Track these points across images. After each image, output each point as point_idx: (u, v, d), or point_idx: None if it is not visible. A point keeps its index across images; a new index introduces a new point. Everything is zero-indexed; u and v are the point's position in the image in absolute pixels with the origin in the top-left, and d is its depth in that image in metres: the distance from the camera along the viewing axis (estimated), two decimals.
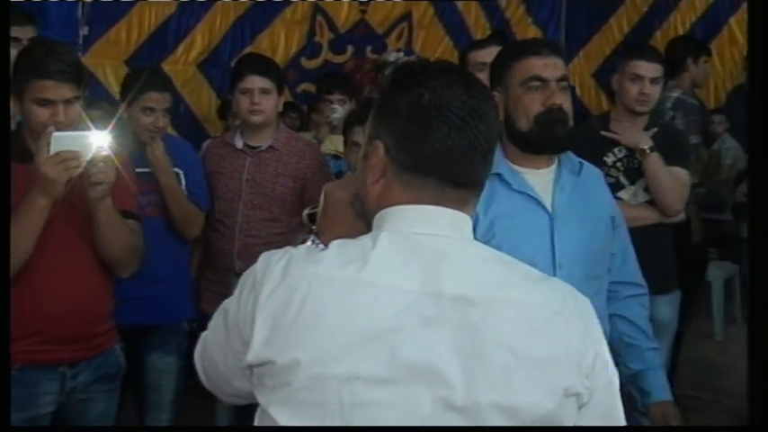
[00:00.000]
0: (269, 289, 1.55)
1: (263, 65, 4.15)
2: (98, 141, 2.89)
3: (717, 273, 6.23)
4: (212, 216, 4.04)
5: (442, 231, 1.59)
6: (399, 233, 1.58)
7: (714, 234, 6.13)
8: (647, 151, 3.92)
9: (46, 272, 3.02)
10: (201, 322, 4.02)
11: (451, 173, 1.59)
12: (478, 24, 7.82)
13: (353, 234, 1.69)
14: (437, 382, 1.50)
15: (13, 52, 3.94)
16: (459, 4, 7.80)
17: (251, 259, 3.96)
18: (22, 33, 4.10)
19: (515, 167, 2.77)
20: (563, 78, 2.73)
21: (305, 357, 1.50)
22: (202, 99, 6.88)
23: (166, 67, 6.39)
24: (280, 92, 4.07)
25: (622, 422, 1.69)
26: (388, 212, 1.61)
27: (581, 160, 2.90)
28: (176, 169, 3.90)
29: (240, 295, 1.61)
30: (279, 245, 4.11)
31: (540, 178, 2.78)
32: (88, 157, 2.86)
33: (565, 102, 2.71)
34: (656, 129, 4.10)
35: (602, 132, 4.07)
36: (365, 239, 1.59)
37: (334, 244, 1.59)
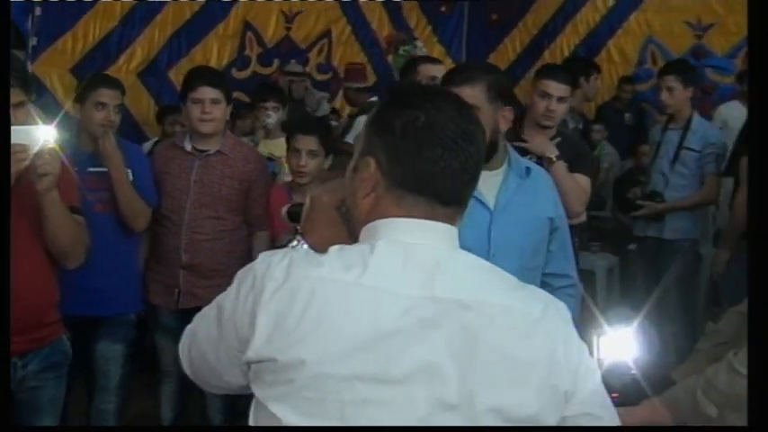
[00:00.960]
0: (271, 289, 1.49)
1: (213, 77, 4.07)
2: (44, 135, 2.77)
3: (600, 263, 6.24)
4: (160, 213, 3.91)
5: (435, 243, 1.55)
6: (396, 242, 1.52)
7: (596, 229, 6.20)
8: (554, 159, 3.89)
9: None
10: (148, 312, 3.96)
11: (442, 192, 1.53)
12: (390, 42, 7.78)
13: (338, 236, 1.66)
14: (434, 382, 1.46)
15: None
16: (374, 24, 7.83)
17: (197, 253, 3.86)
18: None
19: None
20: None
21: (308, 357, 1.45)
22: (141, 105, 6.72)
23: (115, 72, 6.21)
24: (228, 101, 3.97)
25: (614, 422, 1.66)
26: (382, 224, 1.55)
27: (532, 164, 2.91)
28: (126, 168, 3.75)
29: (238, 294, 1.53)
30: (223, 241, 3.98)
31: (490, 179, 2.77)
32: (35, 149, 2.73)
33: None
34: (559, 139, 4.09)
35: (513, 143, 4.03)
36: (363, 246, 1.54)
37: (333, 249, 1.53)
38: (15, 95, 2.84)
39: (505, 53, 8.13)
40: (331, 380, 1.46)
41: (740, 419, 2.28)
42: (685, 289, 5.13)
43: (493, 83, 2.79)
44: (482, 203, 2.77)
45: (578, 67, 5.70)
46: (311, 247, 1.67)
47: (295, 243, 1.70)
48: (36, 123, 2.83)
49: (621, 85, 7.38)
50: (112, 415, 3.99)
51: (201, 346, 1.65)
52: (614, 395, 2.19)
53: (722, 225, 5.44)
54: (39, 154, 2.74)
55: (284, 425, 1.50)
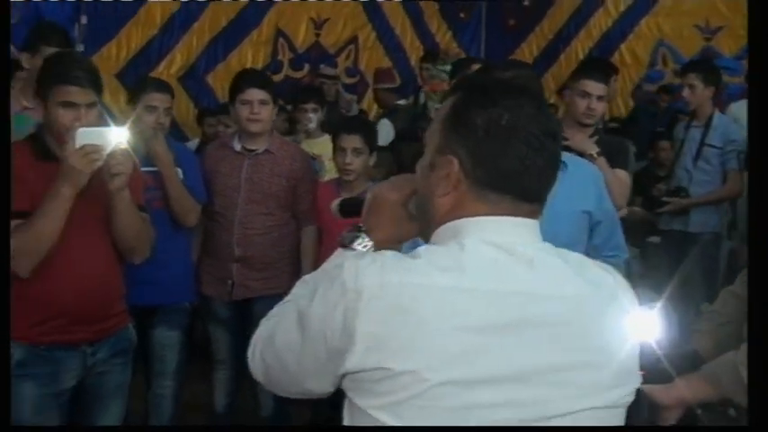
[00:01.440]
0: (367, 298, 1.39)
1: (261, 79, 4.09)
2: (117, 137, 2.77)
3: None
4: (212, 210, 3.92)
5: (522, 239, 1.48)
6: (485, 241, 1.45)
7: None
8: (595, 156, 3.84)
9: (65, 260, 2.87)
10: (201, 301, 3.98)
11: (527, 190, 1.48)
12: (413, 46, 7.84)
13: (406, 233, 1.63)
14: (541, 380, 1.41)
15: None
16: (397, 30, 7.84)
17: (249, 247, 3.84)
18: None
19: None
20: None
21: (417, 365, 1.37)
22: (182, 107, 6.69)
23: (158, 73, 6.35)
24: (275, 102, 3.98)
25: None
26: (467, 222, 1.47)
27: (575, 160, 2.85)
28: (176, 168, 3.78)
29: (325, 302, 1.44)
30: (272, 235, 3.98)
31: None
32: (108, 150, 2.73)
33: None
34: (597, 137, 4.06)
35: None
36: (451, 247, 1.46)
37: (421, 251, 1.45)
38: (87, 95, 2.85)
39: (522, 57, 8.05)
40: (444, 386, 1.39)
41: None
42: (709, 278, 5.11)
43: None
44: None
45: (598, 68, 5.66)
46: (378, 244, 1.60)
47: (360, 241, 1.61)
48: (107, 125, 2.83)
49: (660, 94, 7.29)
50: (170, 399, 4.01)
51: (280, 353, 1.55)
52: (641, 372, 2.29)
53: (737, 215, 5.41)
54: (112, 154, 2.74)
55: None
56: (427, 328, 1.38)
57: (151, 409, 4.06)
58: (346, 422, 1.49)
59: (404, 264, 1.43)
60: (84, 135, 2.73)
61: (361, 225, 1.65)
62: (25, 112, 3.85)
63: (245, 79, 3.97)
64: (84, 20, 6.18)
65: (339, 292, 1.41)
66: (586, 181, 2.91)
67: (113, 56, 6.36)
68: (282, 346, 1.53)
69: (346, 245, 1.61)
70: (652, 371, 2.20)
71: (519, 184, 1.47)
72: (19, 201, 2.81)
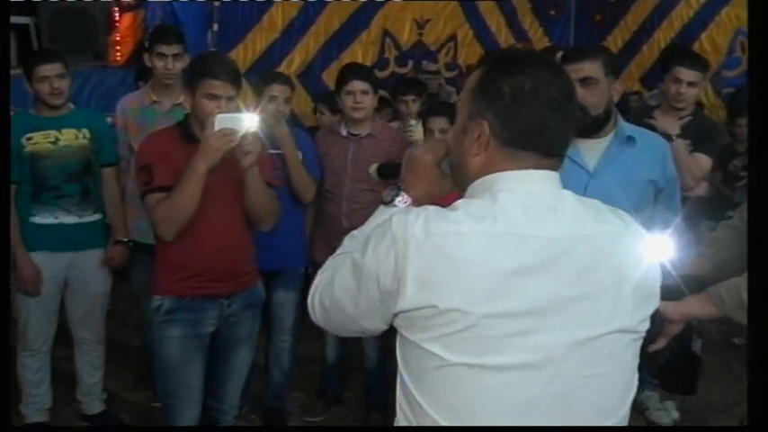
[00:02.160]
0: (415, 247, 1.45)
1: (363, 71, 4.23)
2: (249, 122, 2.92)
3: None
4: (323, 187, 4.09)
5: (546, 188, 1.54)
6: (514, 191, 1.50)
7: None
8: (674, 137, 3.87)
9: (205, 227, 3.05)
10: (314, 267, 4.21)
11: (548, 147, 1.53)
12: (507, 42, 7.84)
13: (440, 190, 1.68)
14: (567, 310, 1.46)
15: (160, 65, 4.07)
16: (493, 27, 7.87)
17: (355, 220, 4.13)
18: (168, 50, 4.11)
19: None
20: (584, 79, 2.67)
21: (461, 302, 1.42)
22: (300, 101, 6.86)
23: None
24: (375, 92, 4.12)
25: None
26: (498, 177, 1.52)
27: (642, 133, 2.88)
28: (297, 150, 3.95)
29: (376, 252, 1.50)
30: (375, 208, 4.22)
31: (595, 145, 2.77)
32: (242, 133, 2.90)
33: (584, 97, 2.64)
34: (689, 119, 4.05)
35: (645, 120, 4.09)
36: (485, 199, 1.50)
37: (459, 204, 1.51)
38: (227, 89, 2.99)
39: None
40: (485, 319, 1.42)
41: None
42: None
43: (607, 60, 2.75)
44: (580, 166, 2.73)
45: (672, 55, 5.56)
46: (415, 200, 1.65)
47: (400, 198, 1.67)
48: (241, 112, 2.99)
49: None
50: (287, 352, 4.23)
51: (338, 296, 1.59)
52: None
53: None
54: (244, 136, 2.90)
55: (447, 362, 1.46)
56: (467, 270, 1.42)
57: (271, 360, 4.29)
58: (399, 356, 1.55)
59: (444, 216, 1.47)
60: (222, 120, 2.89)
61: (400, 184, 1.70)
62: (153, 106, 4.10)
63: (348, 72, 4.11)
64: (215, 27, 6.38)
65: (390, 242, 1.47)
66: (654, 152, 2.90)
67: (241, 58, 6.50)
68: (340, 293, 1.58)
69: (387, 202, 1.68)
70: (664, 289, 2.32)
71: (541, 142, 1.51)
72: (164, 177, 2.99)
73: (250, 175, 3.02)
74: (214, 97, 2.98)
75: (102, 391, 4.30)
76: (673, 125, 3.99)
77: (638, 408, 4.28)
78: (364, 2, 7.18)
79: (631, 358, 1.55)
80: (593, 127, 2.74)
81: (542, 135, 1.51)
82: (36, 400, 4.06)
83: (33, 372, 4.02)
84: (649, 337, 1.68)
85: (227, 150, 2.92)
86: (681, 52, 5.11)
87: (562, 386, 1.46)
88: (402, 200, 1.66)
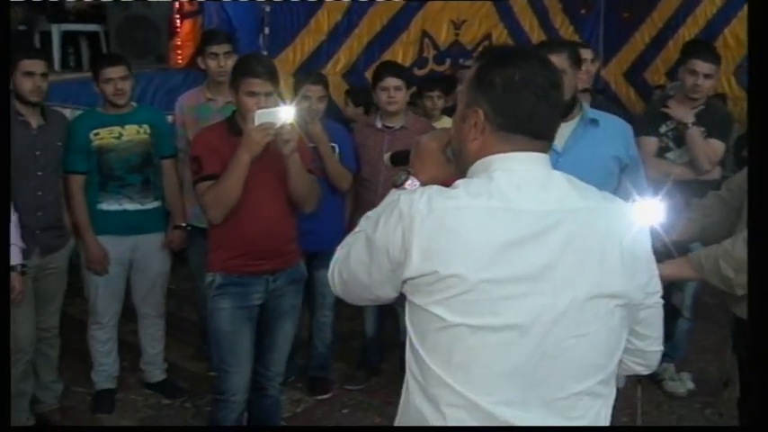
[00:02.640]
0: (419, 221, 1.50)
1: (396, 69, 4.30)
2: (286, 115, 3.01)
3: None
4: (361, 176, 4.18)
5: (536, 167, 1.57)
6: (508, 171, 1.54)
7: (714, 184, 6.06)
8: (689, 125, 3.94)
9: (251, 211, 3.15)
10: None
11: (536, 131, 1.56)
12: (539, 40, 7.69)
13: (444, 173, 1.69)
14: (557, 276, 1.49)
15: (213, 64, 4.21)
16: (526, 27, 7.83)
17: None
18: (219, 49, 4.25)
19: None
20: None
21: (460, 268, 1.46)
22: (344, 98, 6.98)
23: (325, 71, 6.44)
24: (408, 87, 4.18)
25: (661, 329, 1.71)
26: (494, 158, 1.56)
27: (604, 116, 2.96)
28: (332, 143, 4.06)
29: (386, 226, 1.55)
30: None
31: (564, 128, 2.78)
32: (279, 124, 2.98)
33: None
34: (702, 108, 4.08)
35: (661, 109, 4.14)
36: (483, 178, 1.55)
37: (459, 183, 1.55)
38: (265, 87, 3.07)
39: (636, 45, 7.99)
40: (481, 284, 1.46)
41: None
42: None
43: (571, 53, 2.84)
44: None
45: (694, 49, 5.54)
46: (423, 183, 1.66)
47: (410, 181, 1.70)
48: (279, 106, 3.04)
49: None
50: (329, 326, 4.35)
51: (353, 269, 1.64)
52: None
53: None
54: (284, 126, 2.99)
55: (449, 323, 1.49)
56: (465, 240, 1.47)
57: (315, 333, 4.39)
58: (408, 319, 1.59)
59: (446, 193, 1.52)
60: (261, 115, 2.97)
61: (409, 170, 1.74)
62: (208, 103, 4.23)
63: (383, 70, 4.20)
64: (266, 31, 6.42)
65: (397, 217, 1.52)
66: (615, 132, 2.98)
67: (290, 59, 6.60)
68: (355, 265, 1.63)
69: (398, 185, 1.71)
70: (656, 252, 2.29)
71: (530, 126, 1.55)
72: (213, 166, 3.10)
73: (291, 161, 3.11)
74: (254, 94, 3.06)
75: (164, 361, 4.43)
76: (687, 114, 4.03)
77: (654, 378, 4.34)
78: (404, 5, 7.16)
79: (618, 322, 1.56)
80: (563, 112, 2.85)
81: (531, 120, 1.55)
82: (105, 369, 4.23)
83: (102, 343, 4.18)
84: None
85: (268, 142, 3.00)
86: (696, 46, 5.08)
87: (551, 345, 1.49)
88: (411, 183, 1.69)
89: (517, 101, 1.54)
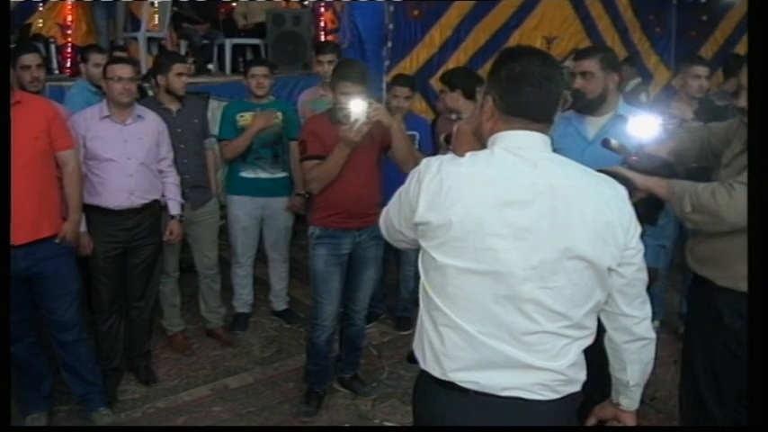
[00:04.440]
0: (428, 179, 1.54)
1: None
2: (374, 108, 3.02)
3: None
4: None
5: (532, 145, 1.55)
6: (507, 148, 1.55)
7: None
8: (688, 120, 3.82)
9: (345, 181, 3.21)
10: None
11: (533, 114, 1.54)
12: (621, 54, 7.44)
13: (473, 149, 1.66)
14: (534, 238, 1.48)
15: (321, 69, 4.34)
16: (609, 42, 7.45)
17: None
18: (324, 58, 4.39)
19: (580, 116, 2.84)
20: (582, 72, 2.74)
21: (453, 219, 1.50)
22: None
23: (432, 81, 6.50)
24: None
25: (643, 293, 1.61)
26: (498, 136, 1.57)
27: (638, 112, 2.80)
28: (414, 132, 4.05)
29: (410, 184, 1.60)
30: None
31: (597, 121, 2.79)
32: (367, 113, 2.97)
33: (581, 86, 2.74)
34: (696, 106, 3.98)
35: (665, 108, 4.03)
36: (486, 152, 1.56)
37: (468, 154, 1.57)
38: (356, 88, 3.04)
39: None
40: (469, 234, 1.48)
41: (702, 222, 2.11)
42: None
43: (605, 57, 2.76)
44: (582, 136, 2.76)
45: (736, 62, 5.30)
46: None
47: (450, 154, 1.68)
48: (369, 103, 3.02)
49: None
50: (411, 278, 4.33)
51: (390, 215, 1.70)
52: (633, 158, 2.15)
53: None
54: (377, 107, 3.03)
55: (440, 263, 1.51)
56: (459, 198, 1.50)
57: (401, 283, 4.41)
58: (419, 257, 1.61)
59: (454, 161, 1.56)
60: (353, 110, 2.97)
61: (451, 147, 1.77)
62: (321, 98, 4.34)
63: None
64: (389, 44, 6.50)
65: (417, 176, 1.58)
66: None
67: (407, 67, 6.58)
68: (392, 214, 1.70)
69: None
70: (657, 170, 2.16)
71: (528, 110, 1.53)
72: (318, 149, 3.18)
73: (393, 130, 3.13)
74: (347, 94, 3.07)
75: (287, 295, 4.64)
76: (686, 111, 3.98)
77: None
78: (504, 23, 7.05)
79: (587, 280, 1.53)
80: (590, 107, 2.78)
81: (528, 105, 1.53)
82: (242, 298, 4.50)
83: (240, 278, 4.44)
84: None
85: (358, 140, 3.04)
86: (692, 56, 4.93)
87: (523, 292, 1.49)
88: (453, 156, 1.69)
89: (517, 90, 1.53)
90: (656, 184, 2.19)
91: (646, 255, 1.61)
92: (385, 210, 1.75)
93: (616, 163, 2.32)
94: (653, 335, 1.70)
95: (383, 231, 1.78)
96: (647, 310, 1.66)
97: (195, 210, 4.07)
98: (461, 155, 1.62)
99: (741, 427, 2.13)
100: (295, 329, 4.49)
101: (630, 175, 2.14)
